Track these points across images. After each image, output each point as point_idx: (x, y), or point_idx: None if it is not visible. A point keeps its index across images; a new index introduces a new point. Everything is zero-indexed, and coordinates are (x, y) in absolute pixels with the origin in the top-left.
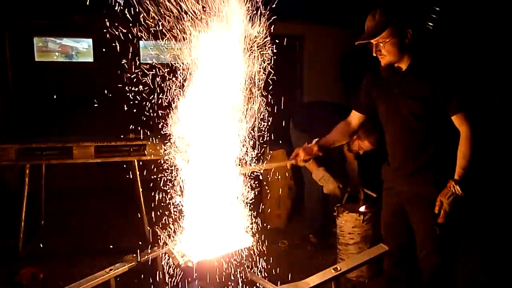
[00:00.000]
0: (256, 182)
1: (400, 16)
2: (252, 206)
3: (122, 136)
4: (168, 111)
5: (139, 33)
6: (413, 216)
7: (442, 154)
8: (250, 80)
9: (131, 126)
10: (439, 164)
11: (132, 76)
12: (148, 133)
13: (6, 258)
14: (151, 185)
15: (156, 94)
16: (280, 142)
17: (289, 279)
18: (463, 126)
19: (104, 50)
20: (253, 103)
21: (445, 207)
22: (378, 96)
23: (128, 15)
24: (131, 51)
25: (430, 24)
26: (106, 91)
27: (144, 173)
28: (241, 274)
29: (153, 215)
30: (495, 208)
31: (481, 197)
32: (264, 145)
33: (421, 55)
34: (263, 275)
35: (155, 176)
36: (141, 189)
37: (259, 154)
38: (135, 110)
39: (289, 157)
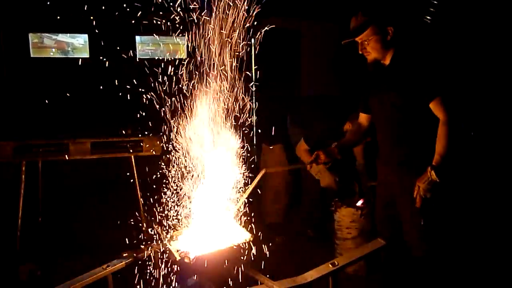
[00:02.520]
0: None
1: (380, 15)
2: (249, 201)
3: (122, 132)
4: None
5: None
6: (400, 207)
7: (426, 146)
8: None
9: (129, 121)
10: (423, 155)
11: (128, 72)
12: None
13: (4, 255)
14: (148, 181)
15: (153, 90)
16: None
17: (287, 274)
18: (439, 111)
19: (100, 45)
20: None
21: (420, 191)
22: (368, 93)
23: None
24: (127, 46)
25: (428, 17)
26: (102, 87)
27: (141, 169)
28: (239, 269)
29: (150, 211)
30: (492, 204)
31: (477, 192)
32: (263, 140)
33: (402, 50)
34: (260, 270)
35: (151, 172)
36: (138, 185)
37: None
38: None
39: (287, 152)
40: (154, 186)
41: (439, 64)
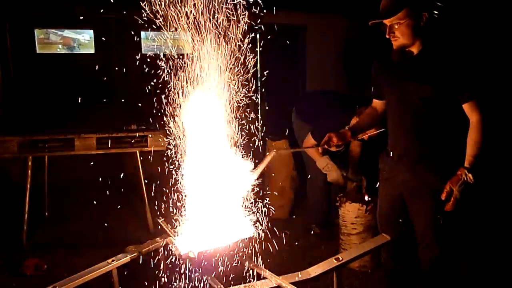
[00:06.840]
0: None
1: None
2: (254, 196)
3: (128, 127)
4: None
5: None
6: (414, 206)
7: (448, 143)
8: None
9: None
10: (444, 153)
11: (133, 67)
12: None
13: (10, 250)
14: (153, 176)
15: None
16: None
17: (291, 269)
18: (473, 113)
19: (105, 41)
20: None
21: (455, 194)
22: (385, 81)
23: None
24: (132, 42)
25: (435, 12)
26: (107, 83)
27: (147, 164)
28: (243, 265)
29: (155, 206)
30: (501, 204)
31: (488, 192)
32: (268, 136)
33: (433, 41)
34: (265, 266)
35: (157, 167)
36: (143, 180)
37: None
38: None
39: (291, 146)
40: (159, 182)
41: (474, 63)
